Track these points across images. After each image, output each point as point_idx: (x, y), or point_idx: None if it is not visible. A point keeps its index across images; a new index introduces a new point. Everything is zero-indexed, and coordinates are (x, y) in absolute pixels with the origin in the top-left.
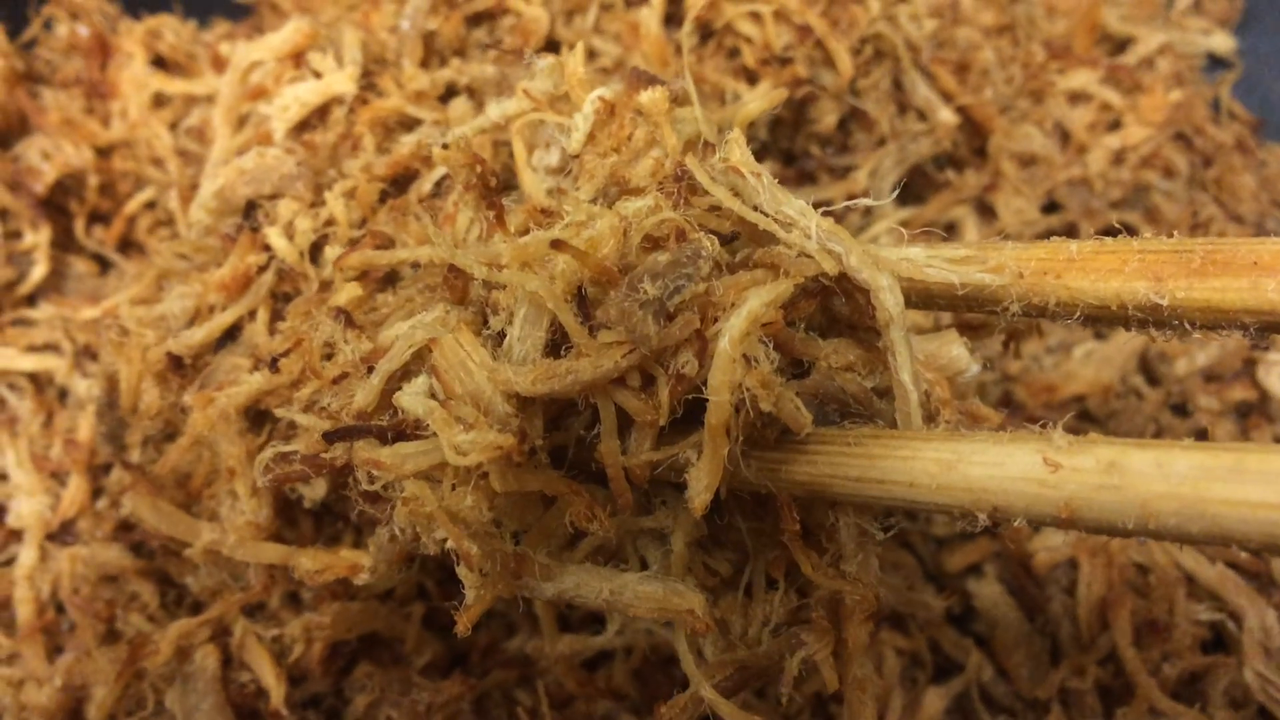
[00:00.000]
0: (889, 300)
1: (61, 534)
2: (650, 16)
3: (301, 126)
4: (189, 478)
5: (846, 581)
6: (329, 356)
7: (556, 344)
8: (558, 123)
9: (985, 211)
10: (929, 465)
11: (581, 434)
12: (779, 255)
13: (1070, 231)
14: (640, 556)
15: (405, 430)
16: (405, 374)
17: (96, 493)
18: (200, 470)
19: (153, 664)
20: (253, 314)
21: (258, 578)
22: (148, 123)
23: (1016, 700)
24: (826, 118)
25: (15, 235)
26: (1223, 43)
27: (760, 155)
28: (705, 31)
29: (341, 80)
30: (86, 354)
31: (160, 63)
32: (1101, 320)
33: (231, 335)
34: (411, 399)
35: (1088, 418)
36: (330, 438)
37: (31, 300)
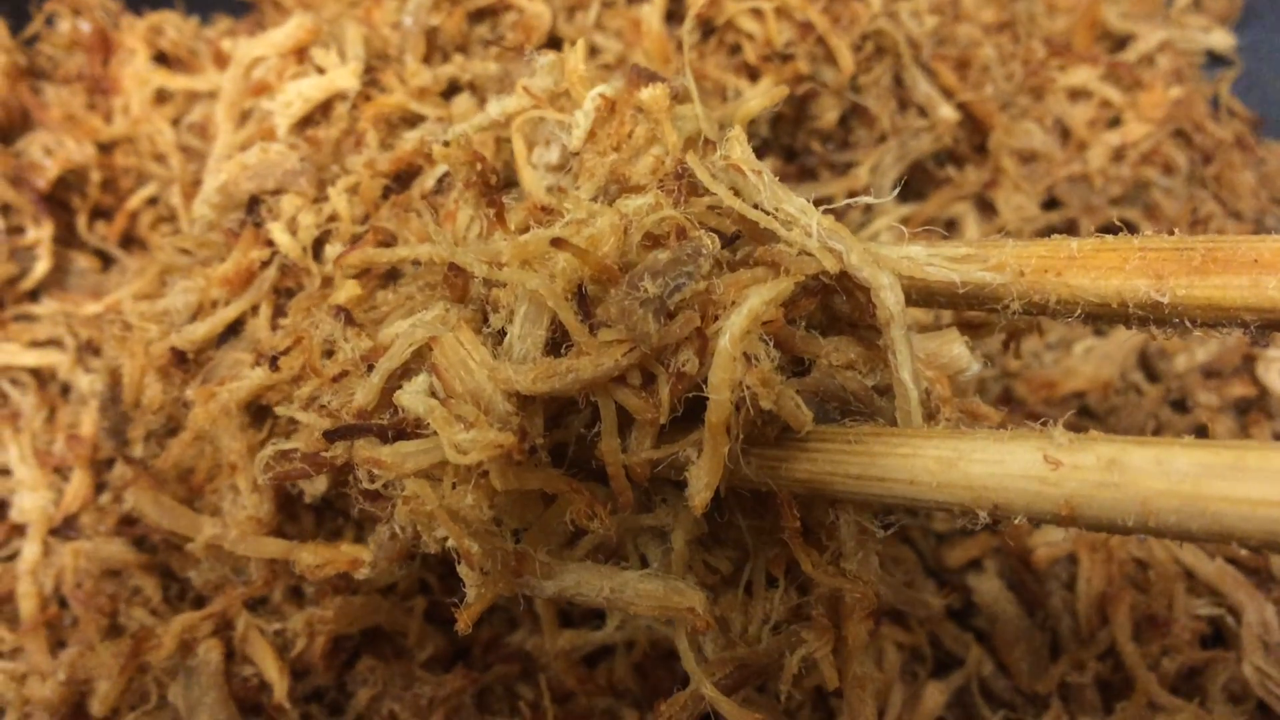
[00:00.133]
0: (889, 298)
1: (64, 529)
2: (652, 13)
3: (304, 122)
4: (191, 473)
5: (846, 579)
6: (329, 354)
7: (557, 342)
8: (558, 120)
9: (986, 208)
10: (929, 463)
11: (582, 432)
12: (780, 253)
13: (1070, 228)
14: (641, 554)
15: (406, 429)
16: (405, 372)
17: (99, 487)
18: (202, 465)
19: (156, 658)
20: (255, 309)
21: (259, 572)
22: (150, 118)
23: (1016, 695)
24: (828, 114)
25: (18, 231)
26: (1222, 40)
27: (762, 151)
28: (707, 28)
29: (344, 76)
30: (89, 349)
31: (162, 59)
32: (1102, 318)
33: (234, 330)
34: (412, 397)
35: (1088, 414)
36: (331, 436)
37: (34, 296)
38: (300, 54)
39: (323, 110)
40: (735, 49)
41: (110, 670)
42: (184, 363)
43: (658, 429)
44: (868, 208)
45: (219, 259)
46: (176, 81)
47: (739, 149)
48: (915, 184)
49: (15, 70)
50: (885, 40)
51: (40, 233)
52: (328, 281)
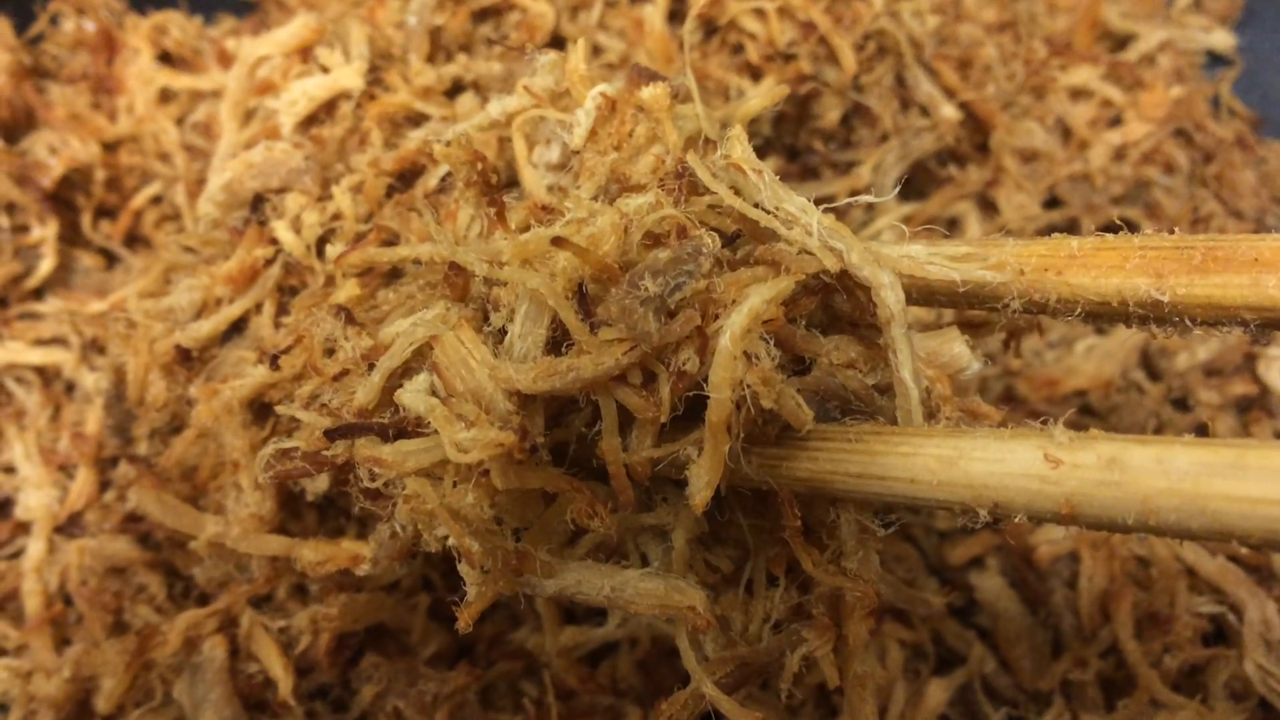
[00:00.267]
0: (890, 297)
1: (69, 526)
2: (654, 13)
3: (309, 121)
4: (195, 470)
5: (847, 578)
6: (330, 353)
7: (557, 341)
8: (559, 119)
9: (987, 207)
10: (930, 461)
11: (583, 431)
12: (780, 252)
13: (1072, 226)
14: (641, 553)
15: (406, 428)
16: (406, 371)
17: (104, 485)
18: (206, 463)
19: (161, 655)
20: (259, 307)
21: (261, 570)
22: (154, 118)
23: (1019, 692)
24: (830, 113)
25: (22, 229)
26: (1223, 40)
27: (764, 151)
28: (710, 28)
29: (349, 75)
30: (93, 347)
31: (166, 58)
32: (1102, 317)
33: (238, 328)
34: (413, 396)
35: (1089, 412)
36: (332, 435)
37: (39, 294)
38: (305, 53)
39: (327, 109)
40: (738, 48)
41: (115, 667)
42: (188, 360)
43: (658, 428)
44: (870, 206)
45: (223, 257)
46: (180, 81)
47: (739, 148)
48: (917, 183)
49: (20, 69)
50: (887, 40)
51: (45, 231)
52: (331, 280)
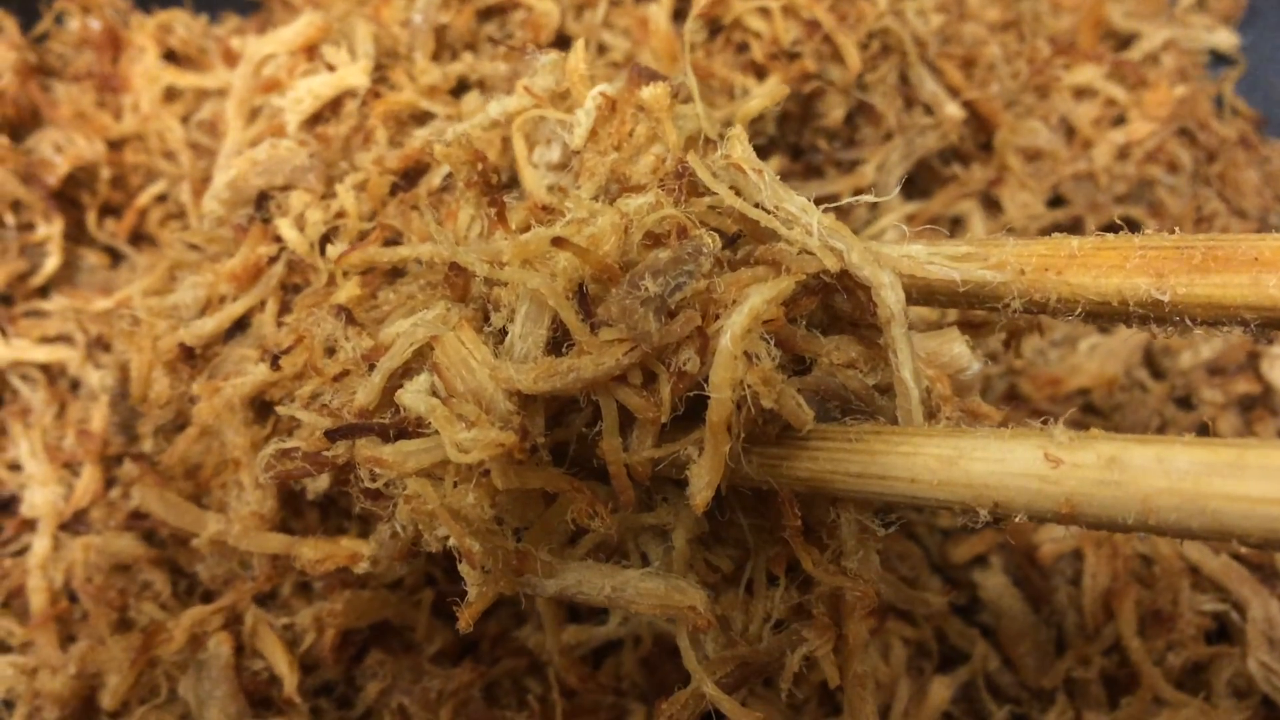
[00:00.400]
0: (890, 297)
1: (74, 523)
2: (659, 12)
3: (314, 119)
4: (199, 468)
5: (847, 578)
6: (331, 352)
7: (558, 341)
8: (560, 119)
9: (991, 205)
10: (930, 461)
11: (583, 431)
12: (780, 252)
13: (1076, 225)
14: (642, 553)
15: (407, 428)
16: (407, 371)
17: (109, 482)
18: (209, 461)
19: (166, 652)
20: (262, 305)
21: (263, 567)
22: (159, 116)
23: (1022, 690)
24: (834, 112)
25: (28, 227)
26: (1226, 39)
27: (768, 149)
28: (714, 27)
29: (354, 73)
30: (99, 345)
31: (171, 57)
32: (1103, 316)
33: (241, 326)
34: (413, 397)
35: (1093, 411)
36: (332, 436)
37: (44, 292)
38: (310, 51)
39: (332, 107)
40: (742, 47)
41: (120, 664)
42: (192, 358)
43: (659, 428)
44: (873, 205)
45: (227, 254)
46: (186, 79)
47: (740, 148)
48: (921, 181)
49: (25, 68)
50: (891, 39)
51: (50, 229)
52: (334, 278)
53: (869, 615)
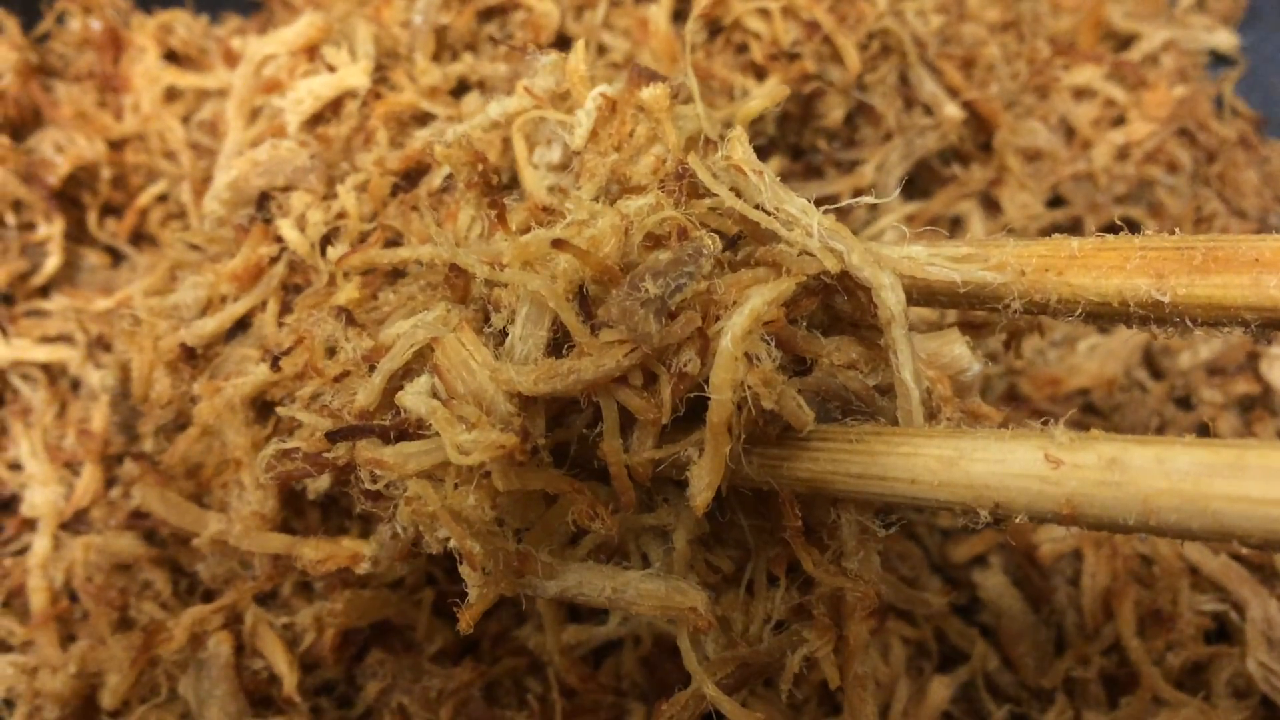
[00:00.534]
0: (890, 298)
1: (75, 523)
2: (659, 12)
3: (315, 119)
4: (200, 468)
5: (848, 579)
6: (332, 353)
7: (558, 342)
8: (560, 119)
9: (990, 206)
10: (931, 462)
11: (584, 432)
12: (781, 253)
13: (1075, 226)
14: (642, 554)
15: (407, 429)
16: (407, 373)
17: (110, 482)
18: (210, 460)
19: (166, 651)
20: (263, 305)
21: (264, 567)
22: (160, 116)
23: (1022, 689)
24: (834, 112)
25: (29, 227)
26: (1226, 40)
27: (768, 150)
28: (714, 28)
29: (355, 74)
30: (99, 345)
31: (172, 57)
32: (1103, 317)
33: (243, 326)
34: (414, 398)
35: (1092, 411)
36: (333, 437)
37: (45, 292)
38: (311, 52)
39: (333, 108)
40: (742, 48)
41: (121, 663)
42: (193, 358)
43: (659, 429)
44: (873, 205)
45: (228, 255)
46: (186, 79)
47: (740, 149)
48: (921, 182)
49: (27, 68)
50: (891, 39)
51: (51, 229)
52: (334, 279)
53: (869, 616)
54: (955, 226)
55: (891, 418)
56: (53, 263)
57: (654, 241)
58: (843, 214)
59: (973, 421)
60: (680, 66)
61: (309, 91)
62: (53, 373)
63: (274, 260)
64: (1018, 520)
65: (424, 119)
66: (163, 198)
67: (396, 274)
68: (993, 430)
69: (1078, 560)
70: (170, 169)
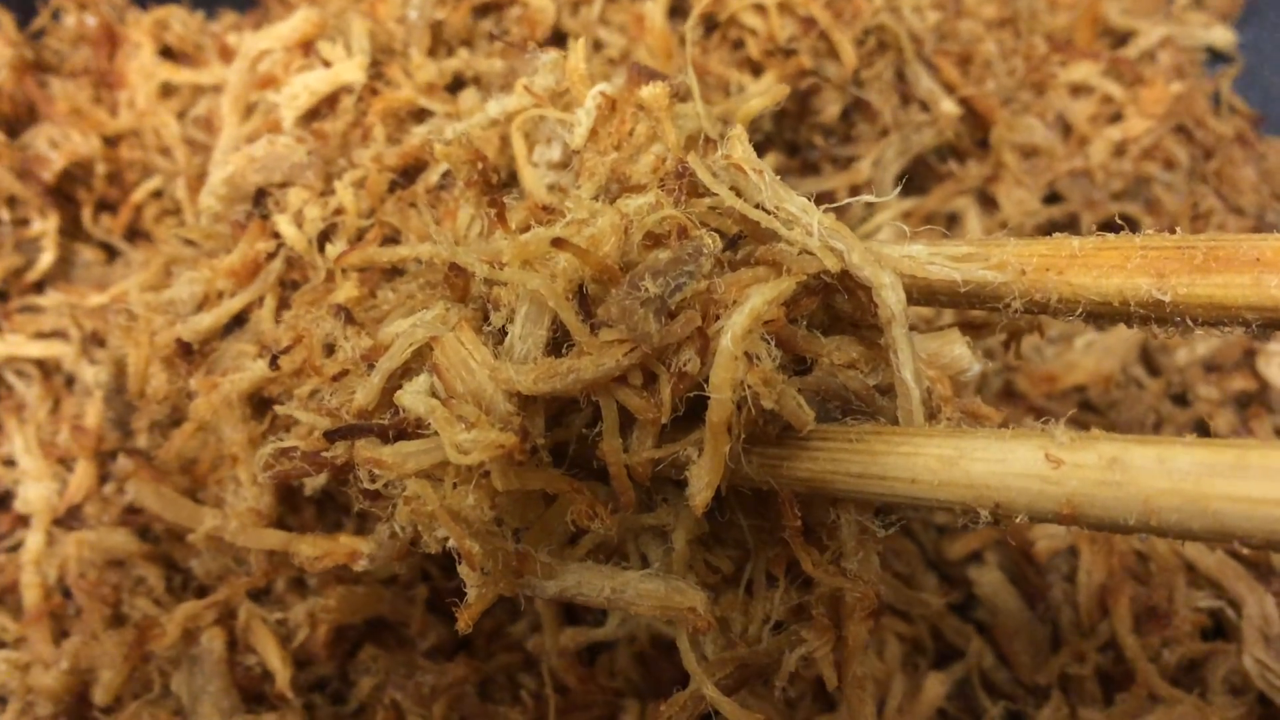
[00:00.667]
0: (891, 298)
1: (68, 519)
2: (655, 9)
3: (310, 115)
4: (195, 463)
5: (847, 579)
6: (330, 351)
7: (558, 342)
8: (560, 118)
9: (987, 202)
10: (931, 461)
11: (583, 431)
12: (781, 252)
13: (1072, 222)
14: (641, 554)
15: (406, 429)
16: (406, 372)
17: (103, 478)
18: (206, 456)
19: (159, 647)
20: (260, 301)
21: (259, 563)
22: (155, 112)
23: (1017, 686)
24: (830, 108)
25: (23, 223)
26: (1223, 37)
27: (764, 146)
28: (710, 24)
29: (350, 69)
30: (94, 341)
31: (167, 53)
32: (1104, 316)
33: (239, 321)
34: (413, 397)
35: (1089, 408)
36: (331, 436)
37: (39, 287)
38: (306, 47)
39: (329, 103)
40: (738, 44)
41: (114, 659)
42: (189, 354)
43: (659, 428)
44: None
45: (224, 251)
46: (182, 75)
47: (740, 148)
48: (917, 178)
49: (22, 64)
50: (887, 35)
51: (46, 225)
52: (332, 275)
53: (868, 616)
54: (952, 223)
55: (891, 417)
56: (47, 258)
57: (654, 240)
58: (839, 211)
59: (973, 421)
60: (676, 62)
61: (304, 87)
62: (47, 368)
63: (271, 256)
64: (1018, 520)
65: (421, 115)
66: (158, 193)
67: (395, 272)
68: (993, 430)
69: (1073, 557)
70: (165, 165)
